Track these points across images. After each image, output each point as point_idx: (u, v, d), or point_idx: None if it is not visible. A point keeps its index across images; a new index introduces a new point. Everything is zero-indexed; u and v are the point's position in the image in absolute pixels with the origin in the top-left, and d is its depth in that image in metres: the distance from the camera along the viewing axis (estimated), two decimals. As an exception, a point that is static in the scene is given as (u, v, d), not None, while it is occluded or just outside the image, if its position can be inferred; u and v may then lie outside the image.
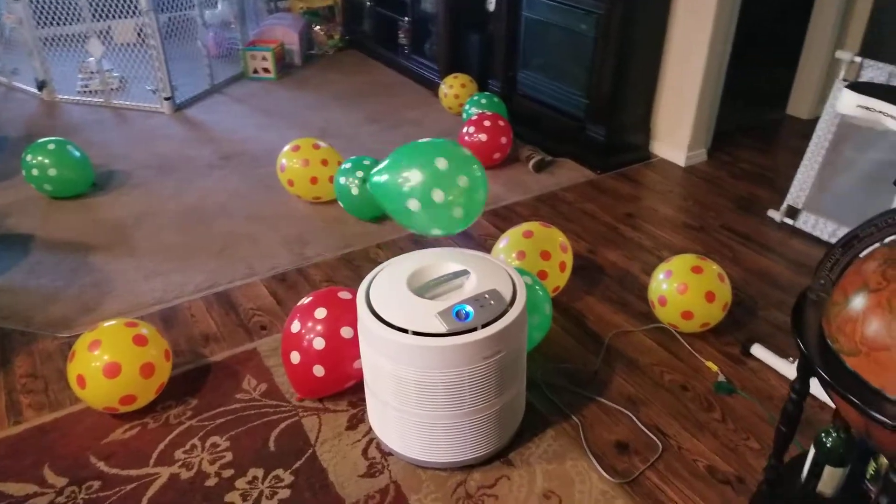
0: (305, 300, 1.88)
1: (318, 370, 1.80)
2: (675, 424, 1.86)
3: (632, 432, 1.83)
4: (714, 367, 2.06)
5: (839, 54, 2.59)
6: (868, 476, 1.42)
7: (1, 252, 2.64)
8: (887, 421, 1.04)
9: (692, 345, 2.15)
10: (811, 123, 3.88)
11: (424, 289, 1.63)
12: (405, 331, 1.52)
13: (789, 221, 2.85)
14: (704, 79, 3.20)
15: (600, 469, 1.71)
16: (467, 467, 1.70)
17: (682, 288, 2.10)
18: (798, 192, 2.84)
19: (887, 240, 1.21)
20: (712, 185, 3.23)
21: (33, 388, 1.98)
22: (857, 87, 1.85)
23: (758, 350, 2.10)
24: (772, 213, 2.92)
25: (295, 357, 1.82)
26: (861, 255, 1.22)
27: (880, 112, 1.80)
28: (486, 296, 1.59)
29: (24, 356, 2.10)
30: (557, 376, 2.02)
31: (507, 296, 1.62)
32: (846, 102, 1.86)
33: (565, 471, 1.70)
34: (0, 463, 1.72)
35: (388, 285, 1.64)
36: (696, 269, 2.13)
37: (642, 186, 3.23)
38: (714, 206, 3.05)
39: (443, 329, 1.51)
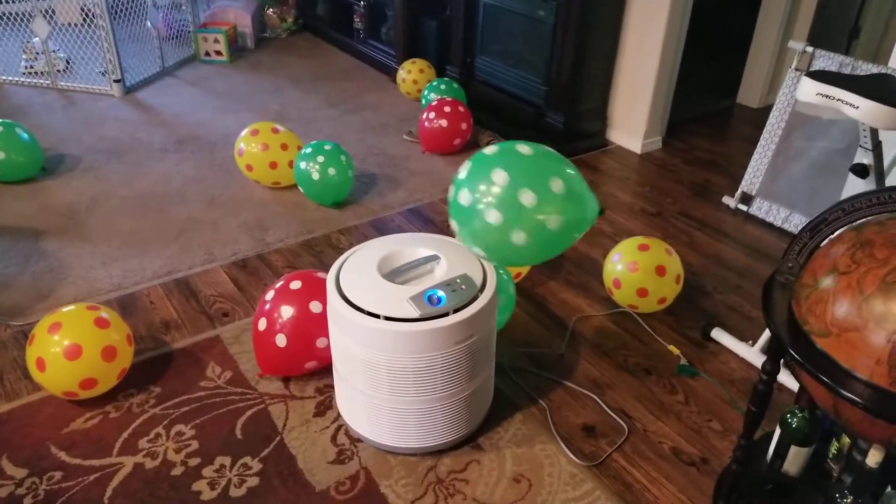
0: (283, 278, 1.89)
1: (281, 339, 1.80)
2: (640, 407, 1.91)
3: (598, 415, 1.87)
4: (676, 351, 2.12)
5: (791, 44, 2.68)
6: (830, 455, 1.47)
7: (-56, 239, 2.53)
8: (858, 399, 1.08)
9: (654, 329, 2.21)
10: (760, 112, 4.03)
11: (395, 274, 1.63)
12: (377, 316, 1.52)
13: (743, 207, 2.94)
14: (660, 69, 3.27)
15: (568, 452, 1.74)
16: (437, 452, 1.72)
17: (632, 266, 2.16)
18: (752, 179, 2.93)
19: (856, 223, 1.25)
20: (668, 172, 3.31)
21: (-13, 379, 1.91)
22: (816, 75, 1.92)
23: (718, 334, 2.16)
24: (726, 200, 3.00)
25: (262, 324, 1.83)
26: (828, 239, 1.26)
27: (839, 100, 1.87)
28: (458, 280, 1.60)
29: (-25, 345, 2.03)
30: (523, 360, 2.05)
31: (478, 280, 1.63)
32: (806, 90, 1.92)
33: (534, 454, 1.73)
34: (-45, 455, 1.66)
35: (358, 270, 1.64)
36: (643, 247, 2.19)
37: (600, 173, 3.29)
38: (670, 192, 3.12)
39: (415, 314, 1.52)
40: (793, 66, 2.73)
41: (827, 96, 1.85)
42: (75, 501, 1.55)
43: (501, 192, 1.59)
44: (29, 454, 1.67)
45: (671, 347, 2.13)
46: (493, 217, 1.59)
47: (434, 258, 1.68)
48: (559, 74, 3.32)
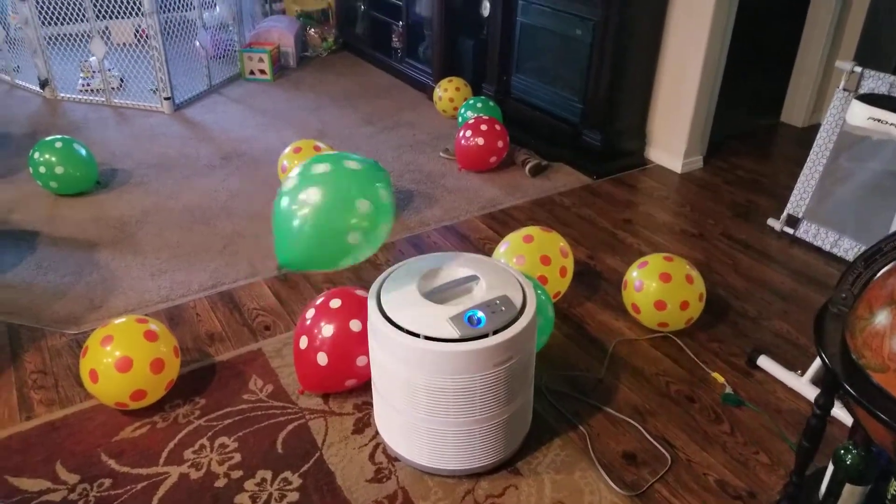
0: (323, 295, 1.92)
1: (322, 358, 1.83)
2: (683, 436, 1.86)
3: (639, 443, 1.84)
4: (720, 379, 2.06)
5: (839, 64, 2.63)
6: (889, 496, 1.41)
7: (8, 248, 2.64)
8: None
9: (697, 355, 2.17)
10: (805, 131, 3.96)
11: (435, 293, 1.65)
12: (417, 335, 1.54)
13: (789, 230, 2.87)
14: (700, 86, 3.24)
15: (609, 481, 1.71)
16: (475, 475, 1.72)
17: (639, 286, 2.19)
18: (798, 200, 2.87)
19: None
20: (709, 192, 3.27)
21: (44, 385, 1.99)
22: (867, 98, 1.89)
23: (764, 361, 2.10)
24: (771, 222, 2.94)
25: (303, 342, 1.86)
26: (884, 270, 1.23)
27: (892, 124, 1.83)
28: (497, 301, 1.61)
29: (33, 352, 2.11)
30: (562, 384, 2.04)
31: (518, 302, 1.64)
32: (857, 114, 1.89)
33: (574, 481, 1.71)
34: (13, 458, 1.74)
35: (398, 288, 1.66)
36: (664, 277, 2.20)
37: (639, 192, 3.27)
38: (712, 213, 3.08)
39: (455, 334, 1.53)
40: (840, 87, 2.68)
41: (879, 120, 1.82)
42: (123, 509, 1.61)
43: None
44: (81, 461, 1.73)
45: (715, 375, 2.08)
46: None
47: (474, 278, 1.70)
48: (596, 93, 3.32)
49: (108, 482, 1.67)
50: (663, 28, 3.29)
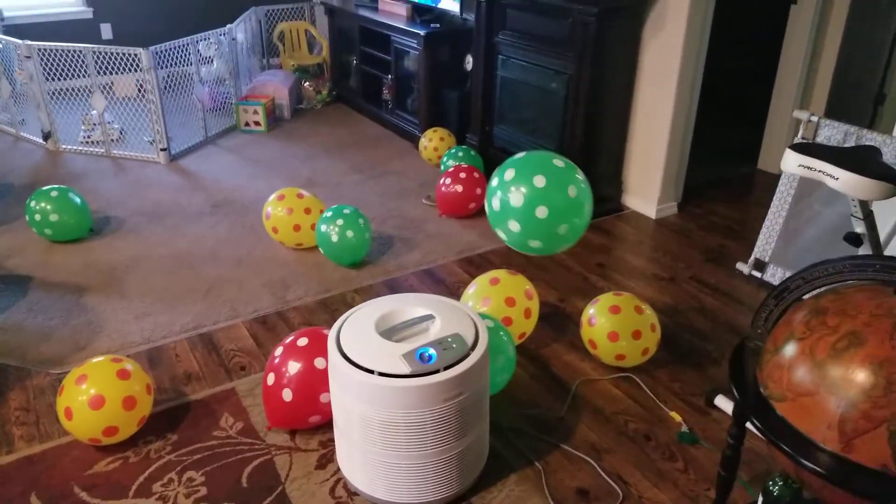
0: (293, 334, 2.03)
1: (287, 394, 1.92)
2: (637, 473, 1.92)
3: (593, 479, 1.90)
4: (678, 418, 2.13)
5: (796, 114, 2.76)
6: (767, 491, 1.45)
7: (2, 292, 2.77)
8: (809, 464, 1.12)
9: (658, 394, 2.24)
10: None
11: (392, 332, 1.75)
12: (371, 371, 1.64)
13: (757, 274, 2.96)
14: (671, 136, 3.39)
15: (559, 515, 1.77)
16: (430, 508, 1.78)
17: (592, 321, 2.31)
18: (764, 245, 2.97)
19: (815, 292, 1.32)
20: (682, 237, 3.38)
21: (26, 421, 2.08)
22: (799, 147, 2.01)
23: (721, 401, 2.16)
24: (740, 266, 3.03)
25: (270, 379, 1.96)
26: (792, 307, 1.32)
27: (819, 171, 1.95)
28: (449, 339, 1.71)
29: (18, 390, 2.21)
30: (522, 422, 2.11)
31: (470, 340, 1.74)
32: (789, 161, 2.01)
33: (525, 515, 1.77)
34: (-10, 491, 1.82)
35: (357, 328, 1.76)
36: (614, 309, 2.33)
37: (614, 237, 3.37)
38: (684, 257, 3.18)
39: (406, 370, 1.62)
40: (799, 135, 2.81)
41: (808, 167, 1.94)
42: (90, 540, 1.68)
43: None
44: (54, 493, 1.81)
45: (673, 414, 2.14)
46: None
47: (429, 318, 1.79)
48: (571, 142, 3.47)
49: (77, 514, 1.75)
50: (634, 82, 3.46)
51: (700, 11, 3.19)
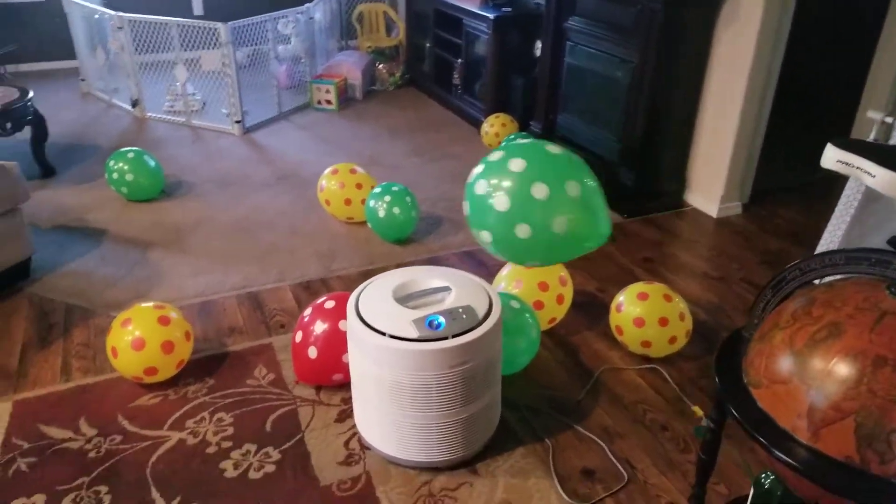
0: (324, 297, 2.17)
1: (312, 351, 2.06)
2: (647, 459, 1.94)
3: (601, 461, 1.93)
4: (699, 412, 2.11)
5: (870, 114, 2.63)
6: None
7: (80, 241, 3.06)
8: (779, 453, 1.13)
9: (684, 388, 2.23)
10: (857, 186, 3.88)
11: (407, 299, 1.85)
12: (383, 333, 1.74)
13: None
14: (738, 133, 3.28)
15: (561, 490, 1.82)
16: (436, 470, 1.87)
17: (620, 307, 2.32)
18: (824, 249, 2.87)
19: (825, 279, 1.32)
20: (742, 239, 3.28)
21: (84, 355, 2.32)
22: (841, 142, 1.95)
23: None
24: (795, 271, 2.95)
25: (298, 336, 2.10)
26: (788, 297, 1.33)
27: (857, 168, 1.90)
28: (460, 310, 1.79)
29: (82, 328, 2.46)
30: (540, 401, 2.16)
31: (481, 313, 1.81)
32: (827, 157, 1.96)
33: (526, 487, 1.83)
34: (49, 410, 2.06)
35: (377, 293, 1.87)
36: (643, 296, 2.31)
37: (668, 233, 3.33)
38: (739, 258, 3.09)
39: (415, 335, 1.72)
40: (871, 137, 2.70)
41: (846, 163, 1.88)
42: (126, 461, 1.88)
43: (515, 181, 1.74)
44: (101, 419, 2.03)
45: (695, 408, 2.13)
46: (501, 203, 1.75)
47: (446, 289, 1.88)
48: (632, 133, 3.43)
49: (118, 438, 1.95)
50: (704, 75, 3.37)
51: (777, 4, 3.07)
